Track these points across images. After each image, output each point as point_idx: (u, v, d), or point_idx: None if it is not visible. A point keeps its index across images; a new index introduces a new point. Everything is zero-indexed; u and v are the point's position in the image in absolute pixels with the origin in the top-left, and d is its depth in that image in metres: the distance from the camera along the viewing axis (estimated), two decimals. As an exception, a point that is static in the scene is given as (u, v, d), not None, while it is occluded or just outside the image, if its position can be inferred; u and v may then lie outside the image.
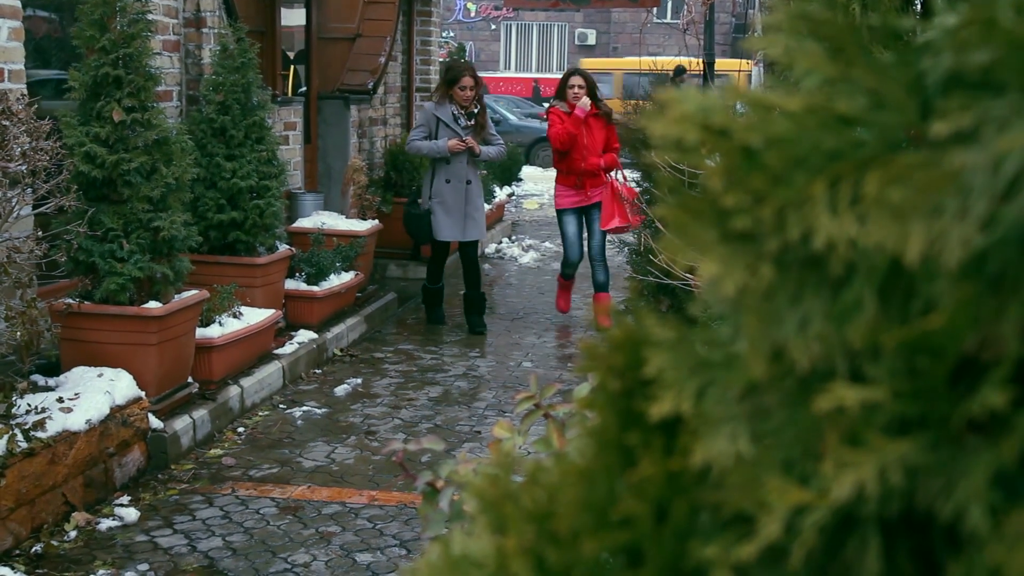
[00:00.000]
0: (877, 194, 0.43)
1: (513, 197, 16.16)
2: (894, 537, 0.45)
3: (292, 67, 9.30)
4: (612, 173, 8.04)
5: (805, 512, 0.45)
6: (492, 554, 0.47)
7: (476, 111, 7.78)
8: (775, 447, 0.46)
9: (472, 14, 33.18)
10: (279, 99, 8.21)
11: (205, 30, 7.27)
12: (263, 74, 7.31)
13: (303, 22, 9.60)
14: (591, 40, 32.47)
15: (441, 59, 13.14)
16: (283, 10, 8.90)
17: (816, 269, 0.47)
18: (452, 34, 29.81)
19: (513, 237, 12.88)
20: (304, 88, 9.51)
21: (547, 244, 12.24)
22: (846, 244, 0.48)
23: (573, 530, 0.45)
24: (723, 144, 0.46)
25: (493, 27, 33.25)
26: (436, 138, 7.71)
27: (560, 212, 8.24)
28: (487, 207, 11.19)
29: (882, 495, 0.44)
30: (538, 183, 18.35)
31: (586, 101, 7.89)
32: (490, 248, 11.96)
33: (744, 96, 0.50)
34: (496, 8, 32.26)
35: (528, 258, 11.66)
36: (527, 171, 19.00)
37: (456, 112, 7.71)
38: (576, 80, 8.01)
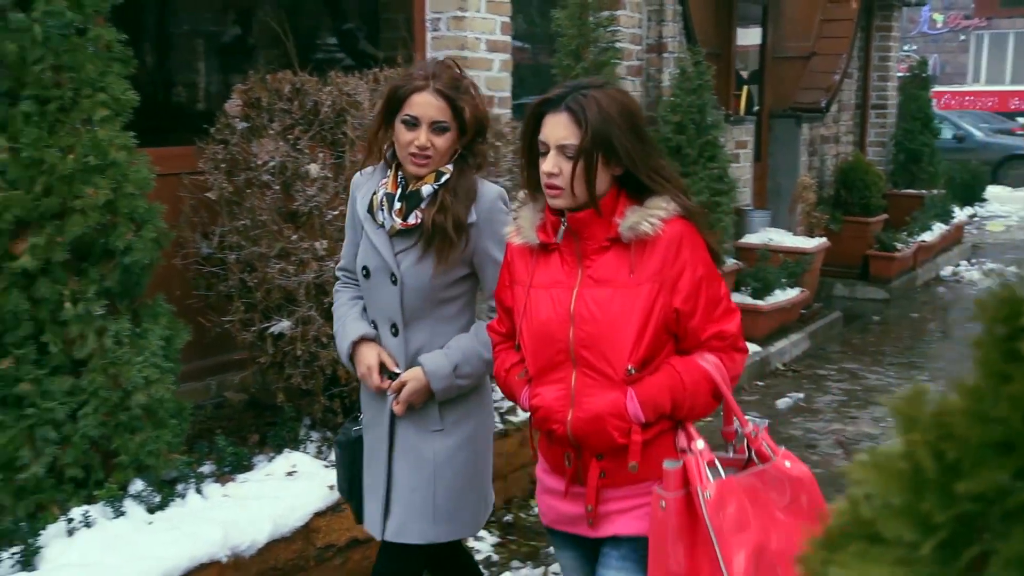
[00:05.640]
0: None
1: (975, 218, 15.16)
2: None
3: (744, 87, 9.54)
4: (692, 443, 2.25)
5: None
6: (902, 449, 0.64)
7: (442, 183, 2.61)
8: None
9: (938, 25, 31.40)
10: (732, 118, 8.48)
11: (665, 55, 7.72)
12: (717, 94, 7.61)
13: (757, 42, 9.81)
14: (1077, 46, 29.40)
15: (900, 73, 12.70)
16: (739, 30, 9.16)
17: None
18: (914, 47, 28.45)
19: (972, 260, 12.11)
20: (756, 107, 9.70)
21: (1011, 268, 11.40)
22: None
23: (962, 429, 0.61)
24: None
25: (962, 38, 31.22)
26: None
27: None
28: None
29: None
30: (1004, 204, 17.04)
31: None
32: (946, 271, 11.37)
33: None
34: (966, 17, 30.29)
35: (989, 283, 10.94)
36: (992, 191, 17.56)
37: (386, 190, 2.67)
38: (551, 130, 2.24)
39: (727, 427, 2.38)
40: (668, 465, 2.17)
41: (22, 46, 3.37)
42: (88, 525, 3.28)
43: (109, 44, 3.63)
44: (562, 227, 2.28)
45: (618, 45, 6.54)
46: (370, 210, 2.67)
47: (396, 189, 2.62)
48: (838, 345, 8.17)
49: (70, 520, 3.27)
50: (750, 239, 8.46)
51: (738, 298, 7.60)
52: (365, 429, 2.81)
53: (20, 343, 3.39)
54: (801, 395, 6.71)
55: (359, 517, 2.88)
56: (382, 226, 2.64)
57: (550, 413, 2.27)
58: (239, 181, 4.26)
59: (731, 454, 2.37)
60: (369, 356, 2.68)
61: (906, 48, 25.89)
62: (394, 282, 2.63)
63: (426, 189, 2.59)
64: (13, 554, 3.08)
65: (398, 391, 2.65)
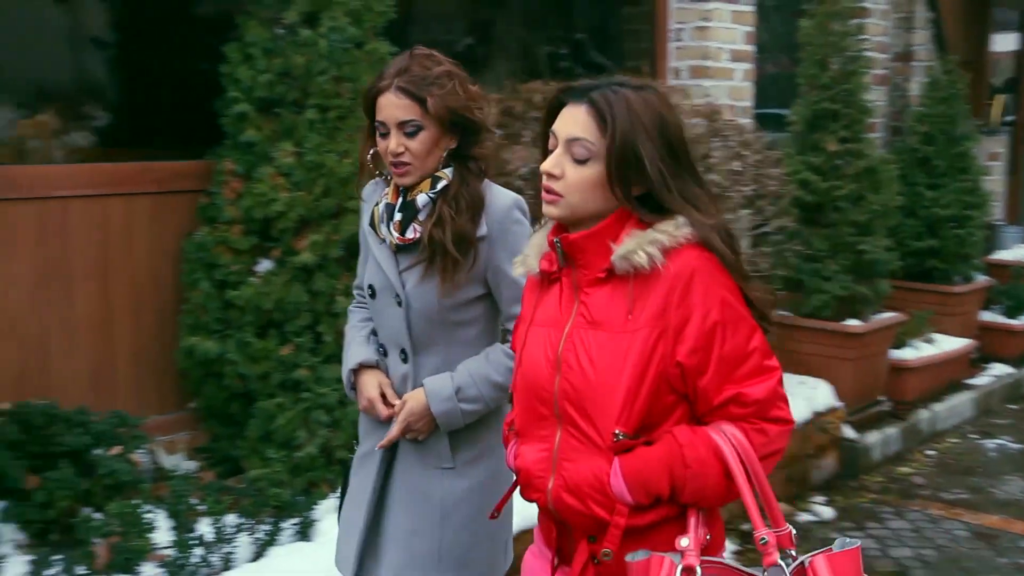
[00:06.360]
0: None
1: None
2: None
3: (997, 96, 9.04)
4: (680, 537, 1.76)
5: None
6: None
7: (439, 191, 2.31)
8: None
9: None
10: (984, 129, 8.07)
11: (914, 63, 7.45)
12: (969, 104, 7.27)
13: (1013, 48, 9.29)
14: None
15: None
16: (993, 36, 8.70)
17: None
18: None
19: None
20: (1011, 117, 9.18)
21: None
22: None
23: None
24: None
25: None
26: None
27: None
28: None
29: None
30: None
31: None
32: None
33: None
34: None
35: None
36: None
37: (386, 201, 2.40)
38: (563, 123, 1.85)
39: (775, 527, 1.78)
40: (630, 557, 1.73)
41: (309, 59, 3.66)
42: (356, 503, 3.51)
43: (382, 56, 3.88)
44: (556, 249, 1.86)
45: (865, 54, 6.35)
46: (372, 223, 2.38)
47: (397, 199, 2.33)
48: (1100, 370, 7.61)
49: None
50: (1002, 255, 8.01)
51: (988, 316, 7.24)
52: (358, 461, 2.48)
53: (299, 332, 3.68)
54: (1060, 421, 6.31)
55: None
56: (384, 241, 2.36)
57: (529, 479, 1.89)
58: (493, 186, 4.44)
59: (787, 566, 1.72)
60: (370, 388, 2.38)
61: None
62: (399, 303, 2.33)
63: (421, 199, 2.29)
64: (293, 524, 3.34)
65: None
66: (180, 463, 3.82)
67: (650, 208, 1.80)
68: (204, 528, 3.23)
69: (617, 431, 1.75)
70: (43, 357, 3.70)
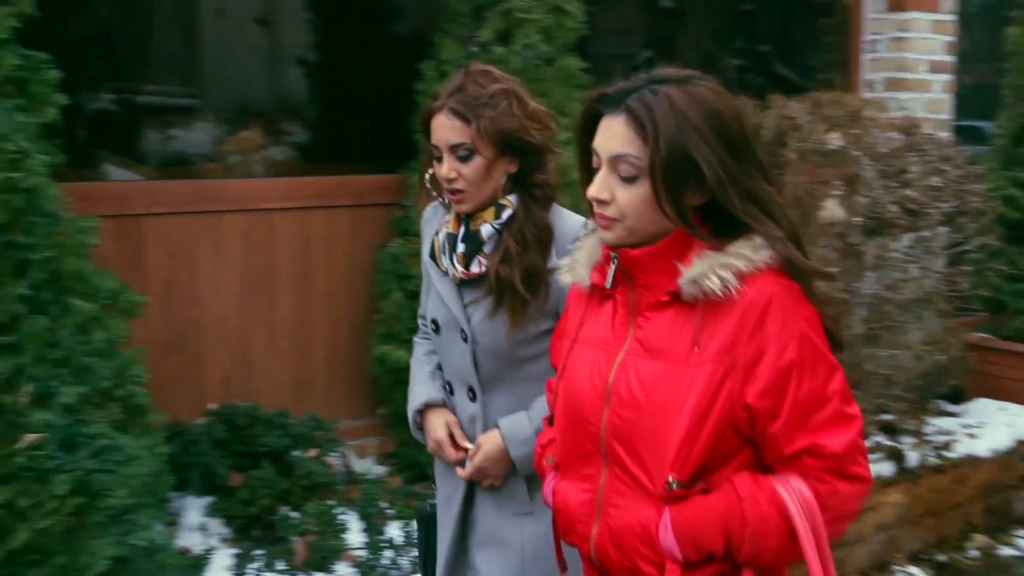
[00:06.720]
0: None
1: None
2: None
3: None
4: None
5: None
6: None
7: (504, 221, 2.13)
8: None
9: None
10: None
11: None
12: None
13: None
14: None
15: None
16: None
17: None
18: None
19: None
20: None
21: None
22: None
23: None
24: None
25: None
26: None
27: None
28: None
29: None
30: None
31: None
32: None
33: None
34: None
35: None
36: None
37: (447, 230, 2.23)
38: (604, 139, 1.60)
39: None
40: None
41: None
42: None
43: (572, 72, 3.92)
44: (611, 266, 1.65)
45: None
46: (433, 254, 2.22)
47: (458, 229, 2.15)
48: None
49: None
50: None
51: None
52: (440, 506, 2.35)
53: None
54: None
55: None
56: (447, 273, 2.19)
57: (572, 523, 1.70)
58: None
59: None
60: (437, 429, 2.24)
61: None
62: (465, 339, 2.18)
63: (485, 230, 2.11)
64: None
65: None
66: (370, 467, 3.94)
67: (715, 219, 1.57)
68: (393, 531, 3.32)
69: (671, 478, 1.54)
70: (247, 361, 3.90)
